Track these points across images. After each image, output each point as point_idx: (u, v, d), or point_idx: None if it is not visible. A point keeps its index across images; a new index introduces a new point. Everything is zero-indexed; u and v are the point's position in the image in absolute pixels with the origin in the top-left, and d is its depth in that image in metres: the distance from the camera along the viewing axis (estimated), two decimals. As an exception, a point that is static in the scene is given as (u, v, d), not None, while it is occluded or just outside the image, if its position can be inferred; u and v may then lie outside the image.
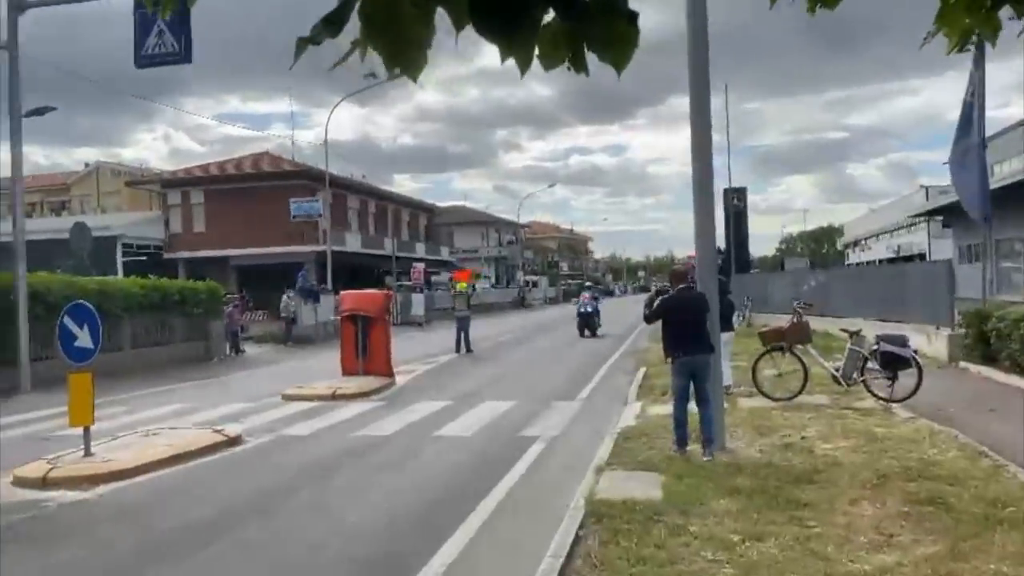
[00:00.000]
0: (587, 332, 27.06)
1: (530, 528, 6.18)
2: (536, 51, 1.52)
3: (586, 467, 7.74)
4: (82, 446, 8.75)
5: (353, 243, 44.04)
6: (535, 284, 78.39)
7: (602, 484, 6.93)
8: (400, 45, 1.46)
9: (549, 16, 1.51)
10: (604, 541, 5.43)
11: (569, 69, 1.55)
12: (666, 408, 10.62)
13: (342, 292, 18.06)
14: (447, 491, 7.47)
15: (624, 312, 37.78)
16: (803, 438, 8.58)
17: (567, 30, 1.51)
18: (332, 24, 1.44)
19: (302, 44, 1.45)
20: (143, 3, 15.16)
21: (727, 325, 12.22)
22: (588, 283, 59.04)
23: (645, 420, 10.15)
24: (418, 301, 40.26)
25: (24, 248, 16.75)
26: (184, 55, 15.93)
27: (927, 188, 46.73)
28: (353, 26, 1.45)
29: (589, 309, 27.63)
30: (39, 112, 17.77)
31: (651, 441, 8.66)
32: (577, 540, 5.48)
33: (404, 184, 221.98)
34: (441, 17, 1.46)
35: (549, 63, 1.54)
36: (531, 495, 7.25)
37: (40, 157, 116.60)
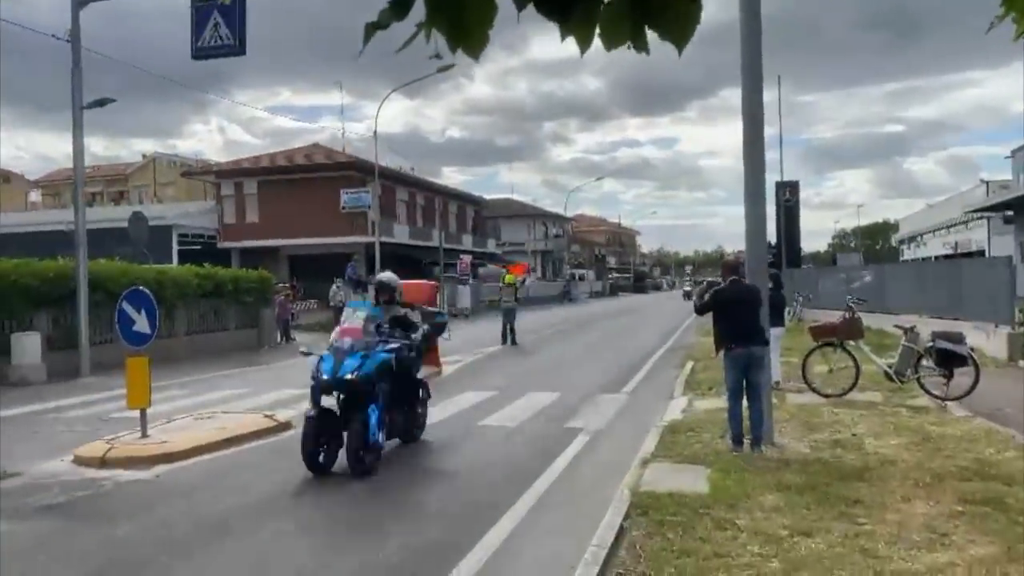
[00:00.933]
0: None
1: (574, 518, 6.19)
2: (597, 30, 1.53)
3: (631, 459, 7.73)
4: (139, 427, 9.01)
5: (401, 234, 44.44)
6: (581, 278, 78.14)
7: (647, 476, 6.91)
8: (463, 24, 1.48)
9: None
10: (649, 533, 5.42)
11: (630, 48, 1.55)
12: (712, 402, 10.56)
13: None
14: (492, 480, 7.51)
15: (673, 309, 37.44)
16: (854, 435, 8.44)
17: (628, 6, 1.51)
18: (399, 7, 1.47)
19: (370, 29, 1.49)
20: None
21: (778, 320, 12.07)
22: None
23: (691, 414, 10.08)
24: (464, 292, 40.47)
25: (85, 236, 17.24)
26: (239, 47, 16.23)
27: (988, 183, 45.34)
28: (418, 10, 1.48)
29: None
30: (100, 103, 18.20)
31: (697, 435, 8.60)
32: (622, 531, 5.48)
33: (452, 176, 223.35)
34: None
35: (610, 42, 1.55)
36: (576, 486, 7.26)
37: (100, 148, 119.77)
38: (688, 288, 60.16)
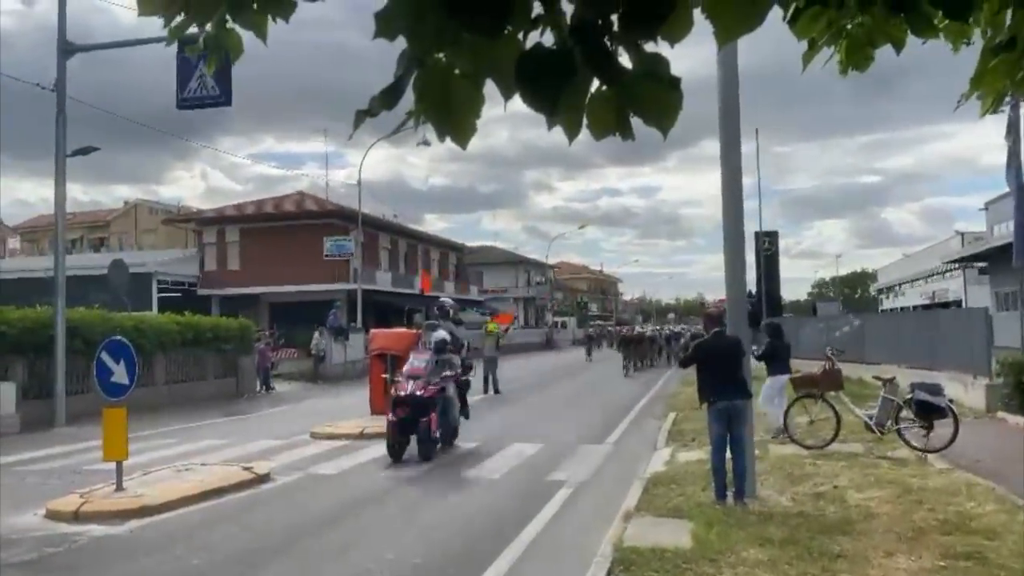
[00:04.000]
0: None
1: (557, 574, 6.12)
2: (585, 120, 1.58)
3: (614, 513, 7.67)
4: (114, 480, 8.85)
5: (384, 281, 44.40)
6: (563, 325, 78.16)
7: (630, 530, 6.86)
8: (451, 115, 1.53)
9: (594, 87, 1.57)
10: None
11: (615, 135, 1.60)
12: (695, 454, 10.54)
13: (372, 331, 18.18)
14: (474, 534, 7.43)
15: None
16: (836, 487, 8.43)
17: (612, 97, 1.56)
18: (389, 96, 1.51)
19: (360, 116, 1.54)
20: (185, 49, 15.65)
21: (783, 368, 12.23)
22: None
23: (674, 466, 10.04)
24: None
25: (64, 284, 17.10)
26: (224, 98, 16.36)
27: (963, 234, 46.13)
28: (407, 96, 1.53)
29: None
30: (83, 152, 18.25)
31: (680, 488, 8.55)
32: (605, 587, 5.42)
33: (434, 223, 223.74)
34: (489, 87, 1.54)
35: (598, 131, 1.60)
36: (558, 540, 7.19)
37: (79, 193, 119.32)
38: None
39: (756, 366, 10.67)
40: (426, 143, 22.26)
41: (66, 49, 17.27)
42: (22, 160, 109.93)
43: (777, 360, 12.34)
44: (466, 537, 7.34)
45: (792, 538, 6.41)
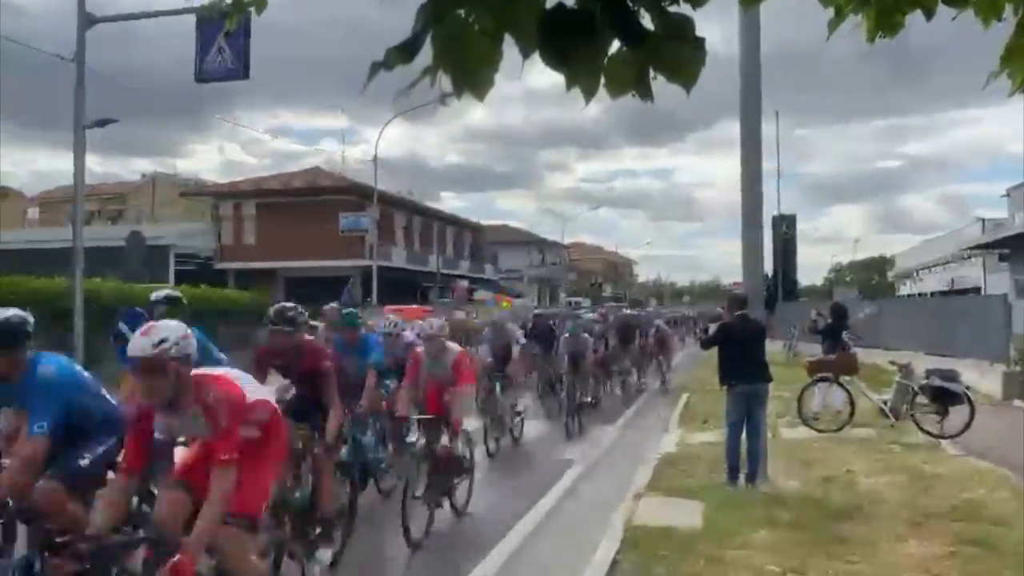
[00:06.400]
0: None
1: (567, 552, 6.15)
2: (602, 80, 1.56)
3: (624, 492, 7.69)
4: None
5: (399, 258, 44.48)
6: (578, 304, 78.10)
7: (640, 510, 6.88)
8: (469, 69, 1.51)
9: (614, 48, 1.54)
10: (640, 568, 5.39)
11: (634, 96, 1.58)
12: (706, 436, 10.54)
13: (385, 308, 18.24)
14: (484, 512, 7.44)
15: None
16: (848, 472, 8.41)
17: (633, 57, 1.54)
18: (406, 51, 1.50)
19: (374, 69, 1.51)
20: (205, 20, 15.64)
21: (836, 348, 12.34)
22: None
23: (686, 447, 10.05)
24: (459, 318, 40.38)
25: (83, 256, 17.23)
26: (242, 71, 16.35)
27: (983, 220, 45.60)
28: (424, 52, 1.51)
29: None
30: (101, 123, 18.27)
31: (691, 469, 8.57)
32: (614, 566, 5.45)
33: (450, 201, 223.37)
34: (507, 45, 1.53)
35: (615, 91, 1.57)
36: (568, 519, 7.22)
37: (95, 165, 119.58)
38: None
39: (770, 350, 10.62)
40: (443, 102, 22.03)
41: (86, 20, 17.28)
42: (39, 130, 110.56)
43: (832, 340, 12.39)
44: (476, 514, 7.31)
45: (802, 521, 6.40)
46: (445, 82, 1.53)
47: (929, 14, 1.93)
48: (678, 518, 6.54)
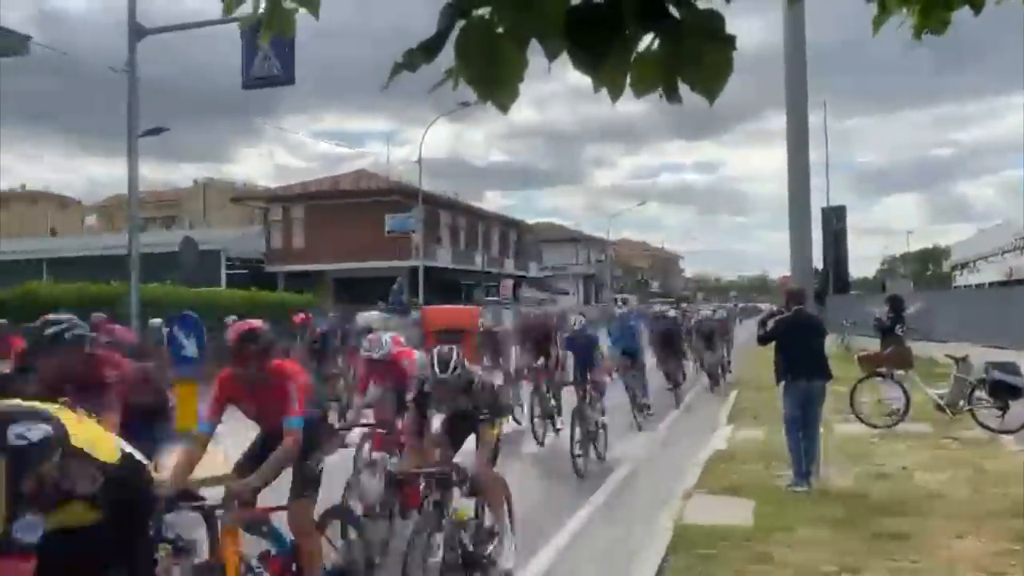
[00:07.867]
0: None
1: (616, 550, 6.14)
2: (628, 79, 1.54)
3: (674, 490, 7.64)
4: (186, 450, 9.15)
5: (444, 258, 44.74)
6: (624, 302, 77.60)
7: (690, 508, 6.83)
8: (492, 77, 1.50)
9: (642, 46, 1.52)
10: (690, 566, 5.36)
11: (661, 97, 1.56)
12: (756, 433, 10.41)
13: (423, 308, 18.34)
14: (534, 509, 7.44)
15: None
16: (903, 468, 8.23)
17: (660, 57, 1.52)
18: (427, 51, 1.49)
19: (397, 68, 1.52)
20: (240, 24, 15.92)
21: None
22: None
23: (736, 444, 9.94)
24: (507, 316, 40.49)
25: (139, 262, 17.68)
26: (288, 77, 16.63)
27: (1043, 208, 44.15)
28: (448, 53, 1.51)
29: None
30: (154, 132, 18.73)
31: (741, 466, 8.47)
32: (664, 564, 5.42)
33: (494, 200, 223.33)
34: (533, 47, 1.51)
35: (641, 91, 1.55)
36: (617, 517, 7.20)
37: (147, 171, 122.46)
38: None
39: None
40: (466, 104, 21.79)
41: (138, 31, 17.72)
42: (95, 138, 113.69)
43: (891, 334, 12.19)
44: (527, 511, 7.27)
45: (857, 519, 6.30)
46: (467, 87, 1.53)
47: (978, 7, 1.88)
48: (727, 516, 6.48)
